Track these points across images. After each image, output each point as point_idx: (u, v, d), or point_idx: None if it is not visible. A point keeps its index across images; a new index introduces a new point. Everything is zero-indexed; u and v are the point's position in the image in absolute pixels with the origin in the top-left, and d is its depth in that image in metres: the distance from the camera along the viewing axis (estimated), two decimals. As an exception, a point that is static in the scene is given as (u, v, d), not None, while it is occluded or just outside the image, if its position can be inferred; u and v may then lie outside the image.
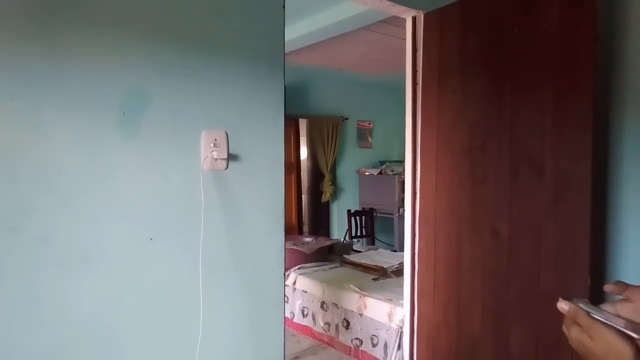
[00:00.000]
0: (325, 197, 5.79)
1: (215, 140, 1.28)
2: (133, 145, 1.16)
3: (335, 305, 3.13)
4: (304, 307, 3.41)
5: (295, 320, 3.46)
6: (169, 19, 1.21)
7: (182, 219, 1.25)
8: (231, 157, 1.33)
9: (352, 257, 3.72)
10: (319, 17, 3.29)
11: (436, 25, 2.10)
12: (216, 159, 1.28)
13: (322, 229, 5.76)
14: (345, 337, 3.04)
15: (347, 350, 3.03)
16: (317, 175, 5.81)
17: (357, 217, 5.56)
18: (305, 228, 5.82)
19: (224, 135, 1.31)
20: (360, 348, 2.90)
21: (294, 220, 5.59)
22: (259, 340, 1.44)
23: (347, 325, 3.01)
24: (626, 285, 0.63)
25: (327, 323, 3.18)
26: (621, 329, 0.53)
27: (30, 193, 1.01)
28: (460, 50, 1.99)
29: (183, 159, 1.25)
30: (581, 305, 0.58)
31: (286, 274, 1.44)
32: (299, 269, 3.60)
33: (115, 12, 1.12)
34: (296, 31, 3.47)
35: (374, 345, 2.80)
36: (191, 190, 1.25)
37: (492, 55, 1.86)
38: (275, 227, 1.46)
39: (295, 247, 3.59)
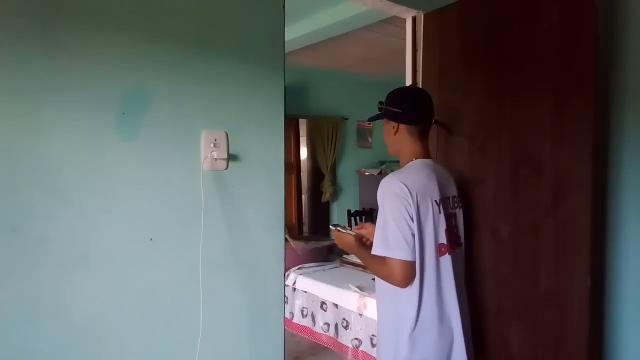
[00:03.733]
0: (325, 197, 5.79)
1: (215, 140, 1.28)
2: (133, 145, 1.16)
3: (335, 305, 3.13)
4: (303, 308, 3.41)
5: (294, 320, 3.46)
6: (169, 19, 1.21)
7: (182, 219, 1.25)
8: (231, 157, 1.33)
9: (352, 257, 3.71)
10: (319, 17, 3.29)
11: (436, 25, 2.10)
12: (216, 159, 1.28)
13: (322, 229, 5.75)
14: (344, 337, 3.03)
15: (346, 350, 3.02)
16: (317, 175, 5.80)
17: (357, 217, 5.55)
18: (305, 228, 5.81)
19: (224, 135, 1.31)
20: (360, 348, 2.90)
21: (294, 220, 5.59)
22: (259, 340, 1.44)
23: (347, 325, 3.01)
24: (363, 223, 1.73)
25: (326, 323, 3.18)
26: (349, 232, 1.61)
27: (30, 193, 1.01)
28: (460, 50, 1.99)
29: (183, 159, 1.25)
30: (338, 227, 1.64)
31: (286, 274, 1.45)
32: (298, 269, 3.60)
33: (116, 11, 1.12)
34: (296, 31, 3.46)
35: (373, 346, 2.80)
36: (191, 190, 1.25)
37: (492, 55, 1.86)
38: (275, 227, 1.46)
39: (290, 243, 3.58)
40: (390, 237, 1.37)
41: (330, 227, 1.68)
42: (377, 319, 1.59)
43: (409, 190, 1.36)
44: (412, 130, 1.50)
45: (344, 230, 1.62)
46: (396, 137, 1.52)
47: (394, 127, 1.51)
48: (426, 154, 1.53)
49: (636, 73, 1.75)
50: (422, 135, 1.52)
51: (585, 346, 1.58)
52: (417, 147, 1.50)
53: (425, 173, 1.45)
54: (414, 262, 1.37)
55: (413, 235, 1.37)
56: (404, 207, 1.36)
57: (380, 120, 1.63)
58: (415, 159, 1.49)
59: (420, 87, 2.18)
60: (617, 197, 1.80)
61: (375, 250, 1.40)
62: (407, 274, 1.37)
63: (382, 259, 1.40)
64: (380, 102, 1.58)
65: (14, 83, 0.99)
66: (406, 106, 1.50)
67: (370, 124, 6.10)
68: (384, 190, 1.40)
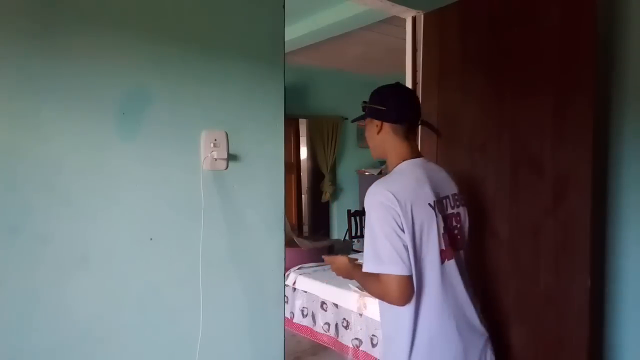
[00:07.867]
0: (325, 197, 5.79)
1: (215, 140, 1.28)
2: (133, 145, 1.16)
3: (335, 305, 3.13)
4: (303, 307, 3.40)
5: (294, 320, 3.46)
6: (169, 19, 1.21)
7: (182, 219, 1.25)
8: (231, 157, 1.33)
9: (352, 257, 3.71)
10: (319, 17, 3.29)
11: (436, 25, 2.10)
12: (216, 159, 1.28)
13: (322, 229, 5.76)
14: (345, 337, 3.03)
15: (347, 350, 3.02)
16: (317, 175, 5.80)
17: (357, 217, 5.56)
18: (305, 228, 5.81)
19: (224, 135, 1.31)
20: (360, 348, 2.90)
21: (294, 220, 5.59)
22: (259, 340, 1.44)
23: (347, 325, 3.01)
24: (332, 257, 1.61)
25: (326, 323, 3.18)
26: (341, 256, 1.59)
27: (30, 193, 1.01)
28: (460, 50, 1.99)
29: (183, 159, 1.25)
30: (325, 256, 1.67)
31: (286, 274, 1.46)
32: (298, 269, 3.60)
33: (116, 11, 1.12)
34: (296, 31, 3.47)
35: (373, 345, 2.80)
36: (191, 190, 1.25)
37: (492, 55, 1.86)
38: (275, 227, 1.46)
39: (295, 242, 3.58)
40: (382, 251, 1.22)
41: (322, 257, 1.73)
42: (381, 327, 1.49)
43: (396, 198, 1.22)
44: (397, 129, 1.37)
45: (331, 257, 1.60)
46: (379, 137, 1.42)
47: (377, 125, 1.40)
48: (415, 154, 1.39)
49: (636, 73, 1.75)
50: (409, 135, 1.40)
51: (585, 346, 1.58)
52: (404, 148, 1.38)
53: (415, 176, 1.32)
54: (410, 277, 1.23)
55: (406, 248, 1.22)
56: (392, 217, 1.22)
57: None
58: (404, 160, 1.37)
59: (420, 87, 2.18)
60: (617, 197, 1.79)
61: (367, 267, 1.25)
62: (405, 290, 1.22)
63: (376, 277, 1.25)
64: (364, 102, 1.46)
65: (14, 83, 0.99)
66: (390, 103, 1.37)
67: (370, 124, 6.10)
68: (370, 201, 1.27)
